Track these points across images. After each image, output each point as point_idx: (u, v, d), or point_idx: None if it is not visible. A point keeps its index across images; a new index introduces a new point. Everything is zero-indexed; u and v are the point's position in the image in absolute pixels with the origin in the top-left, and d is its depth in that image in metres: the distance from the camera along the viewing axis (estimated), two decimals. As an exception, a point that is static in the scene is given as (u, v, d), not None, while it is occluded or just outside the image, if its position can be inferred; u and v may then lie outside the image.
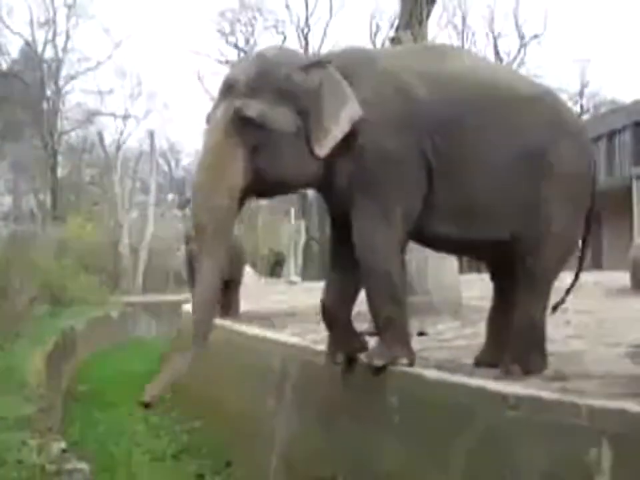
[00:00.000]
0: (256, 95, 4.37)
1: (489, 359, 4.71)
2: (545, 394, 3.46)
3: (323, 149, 4.36)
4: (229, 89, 4.49)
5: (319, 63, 4.50)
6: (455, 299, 8.37)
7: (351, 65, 4.56)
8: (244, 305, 11.72)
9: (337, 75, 4.44)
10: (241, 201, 4.50)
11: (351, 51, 4.88)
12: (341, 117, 4.34)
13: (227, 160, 4.36)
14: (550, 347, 4.83)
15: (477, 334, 6.71)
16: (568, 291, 4.90)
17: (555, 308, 4.85)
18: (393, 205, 4.43)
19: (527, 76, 5.59)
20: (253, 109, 4.34)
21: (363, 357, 4.68)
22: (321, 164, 4.43)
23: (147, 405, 4.73)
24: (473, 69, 4.67)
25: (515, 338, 4.48)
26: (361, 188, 4.45)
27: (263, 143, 4.36)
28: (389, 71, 4.54)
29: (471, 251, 5.15)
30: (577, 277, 4.89)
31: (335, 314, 4.88)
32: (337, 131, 4.35)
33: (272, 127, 4.35)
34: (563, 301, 4.90)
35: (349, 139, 4.38)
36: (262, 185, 4.50)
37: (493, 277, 5.03)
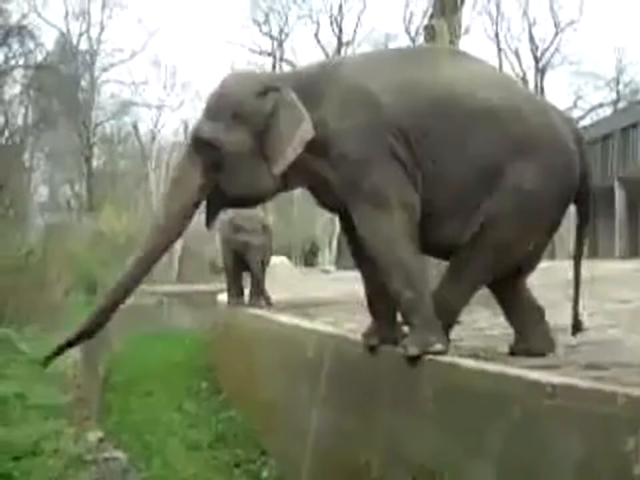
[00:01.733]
0: (215, 118, 4.73)
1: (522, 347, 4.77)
2: (581, 382, 3.43)
3: (277, 168, 4.62)
4: (202, 110, 4.93)
5: (274, 88, 4.70)
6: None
7: (313, 82, 4.74)
8: (278, 294, 11.74)
9: (292, 96, 4.63)
10: (210, 212, 4.97)
11: (317, 66, 5.03)
12: (294, 138, 4.54)
13: (186, 176, 4.78)
14: (585, 336, 4.82)
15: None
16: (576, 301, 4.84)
17: (575, 328, 4.84)
18: (384, 197, 4.50)
19: (516, 85, 5.45)
20: (207, 131, 4.72)
21: (398, 346, 4.67)
22: (278, 179, 4.72)
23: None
24: (444, 76, 4.64)
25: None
26: (351, 192, 4.59)
27: (220, 162, 4.70)
28: (354, 83, 4.65)
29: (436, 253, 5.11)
30: (577, 279, 4.83)
31: (376, 304, 5.04)
32: (290, 151, 4.56)
33: (225, 148, 4.67)
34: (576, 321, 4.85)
35: (328, 151, 4.58)
36: (225, 198, 4.87)
37: None
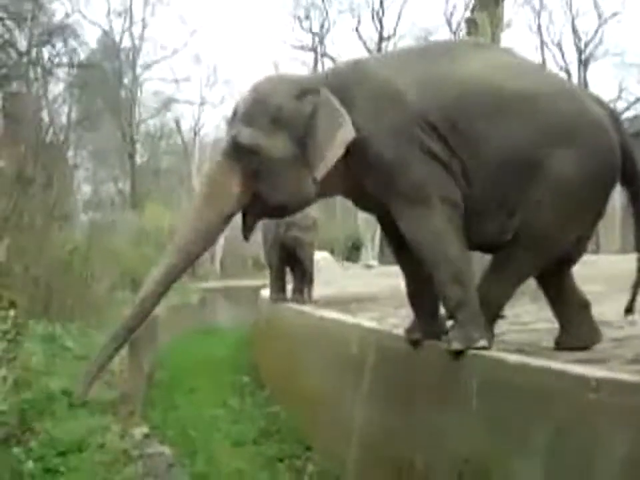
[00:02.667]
0: (252, 124, 4.58)
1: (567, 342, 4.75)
2: (626, 376, 3.40)
3: (319, 172, 4.52)
4: (232, 117, 4.78)
5: (313, 90, 4.62)
6: (532, 281, 8.27)
7: (345, 83, 4.67)
8: (322, 290, 11.75)
9: (331, 98, 4.57)
10: (246, 222, 4.81)
11: (345, 67, 4.97)
12: (335, 141, 4.48)
13: (222, 184, 4.62)
14: (630, 330, 4.77)
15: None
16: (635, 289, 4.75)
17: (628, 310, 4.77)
18: (425, 194, 4.47)
19: (546, 72, 5.40)
20: (247, 136, 4.56)
21: (441, 341, 4.66)
22: (318, 185, 4.60)
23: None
24: (471, 69, 4.61)
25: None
26: (389, 194, 4.57)
27: (260, 169, 4.57)
28: (383, 83, 4.61)
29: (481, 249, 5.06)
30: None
31: (419, 300, 5.05)
32: (331, 155, 4.50)
33: (266, 154, 4.54)
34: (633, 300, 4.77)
35: (361, 154, 4.52)
36: (264, 208, 4.73)
37: None
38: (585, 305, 4.87)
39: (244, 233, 4.84)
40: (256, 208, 4.71)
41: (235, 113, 4.74)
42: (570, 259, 4.86)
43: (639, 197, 4.72)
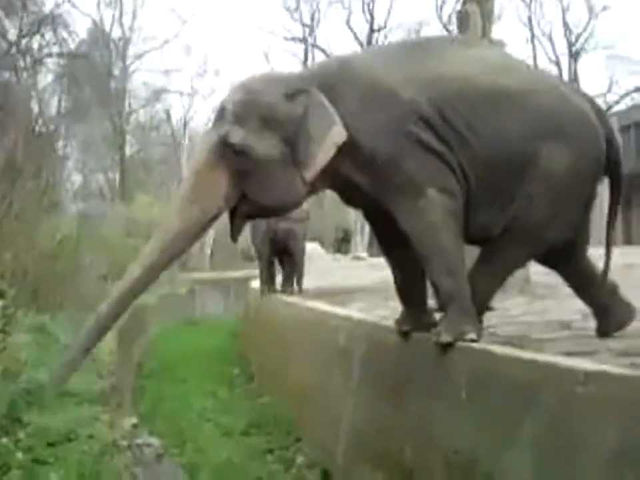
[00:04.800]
0: (241, 123, 4.50)
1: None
2: (615, 369, 3.41)
3: (309, 173, 4.47)
4: (219, 115, 4.66)
5: (302, 90, 4.56)
6: (522, 274, 8.30)
7: (335, 80, 4.62)
8: (311, 281, 11.76)
9: (322, 99, 4.52)
10: (234, 223, 4.70)
11: (333, 65, 4.93)
12: (326, 142, 4.43)
13: (209, 184, 4.52)
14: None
15: (545, 309, 6.67)
16: (605, 272, 4.87)
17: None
18: (419, 187, 4.45)
19: (529, 67, 5.45)
20: (237, 136, 4.47)
21: (430, 333, 4.67)
22: (309, 186, 4.57)
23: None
24: (461, 66, 4.62)
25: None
26: (384, 190, 4.54)
27: (249, 169, 4.49)
28: (372, 78, 4.58)
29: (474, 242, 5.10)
30: (607, 258, 4.81)
31: (408, 291, 5.04)
32: (322, 156, 4.44)
33: (256, 154, 4.47)
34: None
35: (352, 152, 4.48)
36: (253, 208, 4.65)
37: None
38: (613, 287, 4.93)
39: (232, 234, 4.77)
40: (244, 208, 4.63)
41: (222, 111, 4.63)
42: (575, 248, 4.90)
43: (619, 188, 4.84)
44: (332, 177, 4.63)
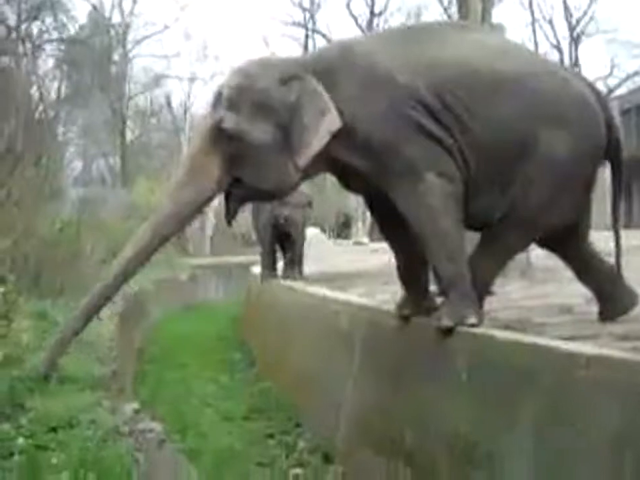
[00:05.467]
0: (236, 108, 4.54)
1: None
2: (616, 353, 3.41)
3: (302, 160, 4.50)
4: (215, 100, 4.69)
5: (296, 76, 4.57)
6: (523, 258, 8.30)
7: (332, 66, 4.63)
8: (312, 267, 11.77)
9: (316, 85, 4.53)
10: (229, 207, 4.77)
11: (330, 50, 4.97)
12: (320, 129, 4.45)
13: (202, 167, 4.59)
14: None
15: (546, 293, 6.67)
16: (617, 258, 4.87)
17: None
18: (419, 171, 4.45)
19: (528, 52, 5.46)
20: (231, 121, 4.51)
21: (431, 318, 4.67)
22: (300, 172, 4.60)
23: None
24: (461, 51, 4.61)
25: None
26: (384, 175, 4.54)
27: (243, 155, 4.54)
28: (371, 64, 4.58)
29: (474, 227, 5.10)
30: (617, 242, 4.82)
31: (410, 276, 5.04)
32: (316, 143, 4.47)
33: (249, 140, 4.51)
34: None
35: (350, 137, 4.48)
36: (247, 193, 4.72)
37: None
38: (611, 269, 4.92)
39: (227, 217, 4.82)
40: (239, 192, 4.69)
41: (218, 96, 4.66)
42: (577, 232, 4.90)
43: (620, 172, 4.84)
44: (327, 162, 4.65)
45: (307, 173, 4.72)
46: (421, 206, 4.45)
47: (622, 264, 4.84)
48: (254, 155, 4.53)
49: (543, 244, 5.07)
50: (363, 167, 4.58)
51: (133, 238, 4.85)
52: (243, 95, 4.56)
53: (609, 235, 4.81)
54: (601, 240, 5.05)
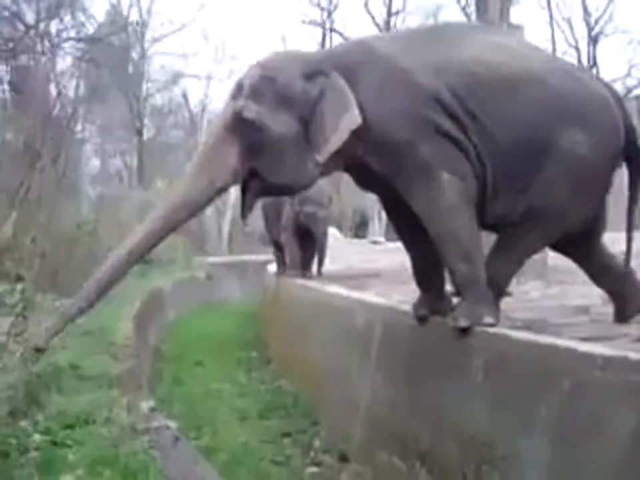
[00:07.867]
0: (258, 99, 4.50)
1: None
2: (632, 355, 3.40)
3: (322, 156, 4.49)
4: (236, 91, 4.65)
5: (322, 71, 4.56)
6: (540, 258, 8.27)
7: (353, 63, 4.62)
8: (329, 265, 11.75)
9: (340, 81, 4.52)
10: (245, 201, 4.73)
11: (352, 47, 4.99)
12: (341, 126, 4.44)
13: (219, 155, 4.53)
14: None
15: (563, 294, 6.65)
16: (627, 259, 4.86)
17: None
18: (434, 171, 4.45)
19: (544, 53, 5.45)
20: (252, 110, 4.48)
21: (447, 318, 4.67)
22: (321, 167, 4.58)
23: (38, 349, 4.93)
24: (480, 51, 4.61)
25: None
26: (399, 174, 4.54)
27: (261, 146, 4.49)
28: (391, 63, 4.57)
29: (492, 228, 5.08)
30: (629, 244, 4.79)
31: (426, 276, 5.05)
32: (335, 140, 4.45)
33: (269, 131, 4.47)
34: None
35: (368, 135, 4.47)
36: (264, 186, 4.66)
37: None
38: (629, 273, 4.92)
39: (242, 212, 4.78)
40: (255, 186, 4.64)
41: (240, 87, 4.63)
42: (591, 234, 4.91)
43: (638, 173, 4.80)
44: (345, 160, 4.64)
45: (325, 170, 4.71)
46: (436, 206, 4.45)
47: (635, 265, 4.83)
48: (272, 147, 4.49)
49: (556, 247, 5.06)
50: (378, 166, 4.58)
51: (144, 222, 4.78)
52: (267, 86, 4.53)
53: (624, 236, 4.80)
54: (615, 242, 5.03)
